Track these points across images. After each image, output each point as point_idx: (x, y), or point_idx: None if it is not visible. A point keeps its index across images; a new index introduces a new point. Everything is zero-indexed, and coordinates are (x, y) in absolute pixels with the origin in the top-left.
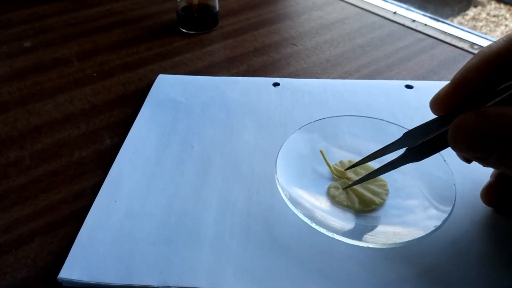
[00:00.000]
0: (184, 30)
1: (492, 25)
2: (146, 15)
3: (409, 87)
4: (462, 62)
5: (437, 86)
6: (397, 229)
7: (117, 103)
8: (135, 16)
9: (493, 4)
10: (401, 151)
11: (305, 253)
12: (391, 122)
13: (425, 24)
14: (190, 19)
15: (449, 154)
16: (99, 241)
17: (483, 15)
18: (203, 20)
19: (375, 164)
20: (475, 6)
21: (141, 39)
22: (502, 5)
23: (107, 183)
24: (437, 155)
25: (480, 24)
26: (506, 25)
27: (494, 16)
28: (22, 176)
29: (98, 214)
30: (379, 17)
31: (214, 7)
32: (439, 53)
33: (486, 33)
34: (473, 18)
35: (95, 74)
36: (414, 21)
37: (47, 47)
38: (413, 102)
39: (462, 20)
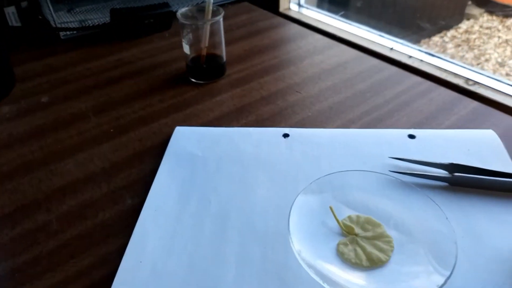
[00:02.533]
0: (193, 80)
1: (485, 37)
2: (156, 64)
3: (411, 136)
4: (458, 106)
5: (438, 135)
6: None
7: (135, 160)
8: (145, 66)
9: (485, 17)
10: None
11: None
12: (396, 177)
13: (421, 60)
14: (200, 69)
15: (452, 210)
16: None
17: (476, 27)
18: (212, 70)
19: (377, 218)
20: (468, 19)
21: (153, 90)
22: (494, 17)
23: (132, 242)
24: (438, 210)
25: (473, 36)
26: (499, 37)
27: (487, 28)
28: (51, 241)
29: (125, 275)
30: (377, 60)
31: (222, 57)
32: (437, 97)
33: (479, 46)
34: (466, 31)
35: (112, 130)
36: (410, 57)
37: (63, 102)
38: (415, 153)
39: (456, 33)
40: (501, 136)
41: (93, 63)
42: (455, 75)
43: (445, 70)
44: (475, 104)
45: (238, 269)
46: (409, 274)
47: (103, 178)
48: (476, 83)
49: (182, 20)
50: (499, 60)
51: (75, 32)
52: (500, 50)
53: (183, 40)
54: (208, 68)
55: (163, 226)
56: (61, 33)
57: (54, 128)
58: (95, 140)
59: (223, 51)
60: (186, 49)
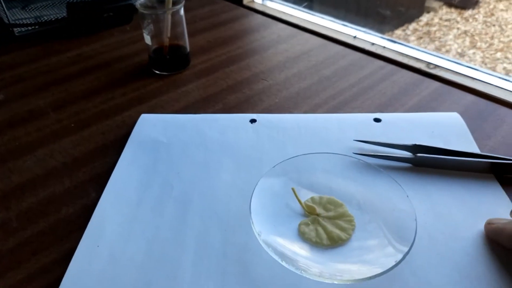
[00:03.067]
0: (157, 72)
1: (445, 29)
2: (117, 57)
3: (377, 120)
4: (420, 87)
5: (404, 118)
6: (361, 266)
7: (98, 154)
8: (106, 60)
9: (444, 9)
10: None
11: None
12: (360, 159)
13: (384, 47)
14: (162, 60)
15: (414, 189)
16: (83, 286)
17: (436, 20)
18: (175, 61)
19: (340, 198)
20: (428, 12)
21: (115, 84)
22: (453, 9)
23: (90, 227)
24: (400, 190)
25: (434, 28)
26: (458, 28)
27: (446, 20)
28: (11, 239)
29: (81, 259)
30: (341, 47)
31: (185, 48)
32: (399, 80)
33: (440, 37)
34: (427, 24)
35: (72, 125)
36: (373, 44)
37: (20, 99)
38: (381, 136)
39: (417, 26)
40: (462, 114)
41: (51, 60)
42: (417, 59)
43: (407, 56)
44: (436, 84)
45: (197, 253)
46: (367, 249)
47: (65, 173)
48: (437, 66)
49: (141, 10)
50: (459, 50)
51: (30, 28)
52: (459, 41)
53: (144, 31)
54: (171, 59)
55: (122, 212)
56: (16, 30)
57: (10, 126)
58: (55, 135)
59: (186, 42)
60: (148, 40)
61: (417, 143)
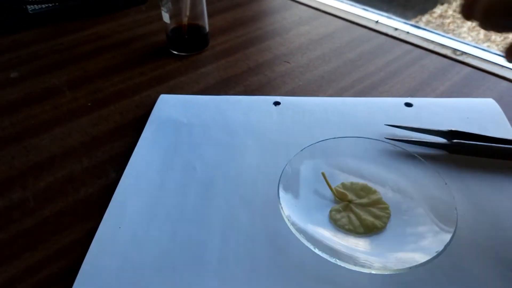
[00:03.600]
0: (174, 52)
1: (458, 21)
2: (134, 37)
3: (408, 105)
4: (451, 72)
5: (436, 103)
6: (400, 254)
7: (117, 133)
8: (123, 39)
9: (458, 1)
10: None
11: (309, 278)
12: (391, 143)
13: (408, 32)
14: (181, 40)
15: (451, 177)
16: (105, 268)
17: (450, 12)
18: (194, 41)
19: (372, 185)
20: (442, 4)
21: (133, 63)
22: None
23: (111, 208)
24: (437, 177)
25: (448, 21)
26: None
27: None
28: (28, 219)
29: (103, 241)
30: (365, 29)
31: (204, 28)
32: (428, 64)
33: (454, 30)
34: (441, 16)
35: (89, 104)
36: (396, 29)
37: (35, 77)
38: (412, 121)
39: (430, 18)
40: (497, 101)
41: (66, 38)
42: (442, 46)
43: (432, 41)
44: (468, 69)
45: (224, 236)
46: (404, 239)
47: (84, 153)
48: (463, 53)
49: None
50: (473, 43)
51: (44, 6)
52: (473, 33)
53: (162, 8)
54: (190, 39)
55: (144, 192)
56: (29, 8)
57: (26, 104)
58: (72, 114)
59: (205, 22)
60: (166, 18)
61: (453, 129)
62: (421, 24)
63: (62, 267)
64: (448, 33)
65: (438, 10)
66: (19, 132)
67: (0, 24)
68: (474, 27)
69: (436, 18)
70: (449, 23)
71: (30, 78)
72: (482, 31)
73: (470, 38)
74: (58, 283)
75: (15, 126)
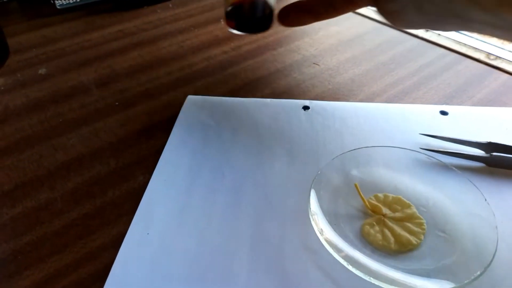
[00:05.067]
0: (235, 31)
1: None
2: (160, 35)
3: (444, 113)
4: (488, 78)
5: (473, 112)
6: (433, 277)
7: (144, 135)
8: (149, 37)
9: None
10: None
11: None
12: (426, 154)
13: (439, 34)
14: (244, 17)
15: (489, 192)
16: (133, 276)
17: None
18: (259, 18)
19: (407, 198)
20: None
21: (159, 62)
22: None
23: (139, 212)
24: (477, 192)
25: None
26: None
27: None
28: (56, 221)
29: (131, 247)
30: (396, 31)
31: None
32: (464, 70)
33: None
34: None
35: (117, 103)
36: (427, 31)
37: (63, 74)
38: (448, 131)
39: None
40: None
41: (93, 34)
42: (475, 49)
43: (465, 44)
44: (505, 76)
45: (253, 247)
46: (440, 258)
47: (111, 154)
48: (498, 57)
49: None
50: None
51: (71, 1)
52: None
53: None
54: (253, 17)
55: (172, 198)
56: (57, 3)
57: (53, 101)
58: (100, 113)
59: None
60: None
61: (492, 141)
62: None
63: (90, 272)
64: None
65: None
66: (47, 130)
67: (28, 19)
68: None
69: None
70: None
71: (58, 75)
72: None
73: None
74: None
75: (43, 124)
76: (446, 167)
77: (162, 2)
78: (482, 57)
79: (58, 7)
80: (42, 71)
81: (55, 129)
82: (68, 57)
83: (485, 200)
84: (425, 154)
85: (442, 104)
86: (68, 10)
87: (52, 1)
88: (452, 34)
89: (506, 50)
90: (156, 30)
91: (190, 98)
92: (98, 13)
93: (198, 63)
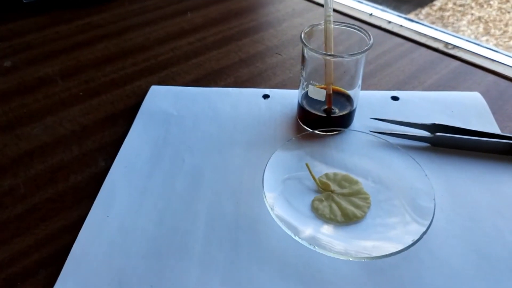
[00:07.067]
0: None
1: (458, 14)
2: (127, 27)
3: (395, 98)
4: (439, 65)
5: (422, 97)
6: (377, 243)
7: (108, 123)
8: (116, 29)
9: None
10: None
11: (289, 265)
12: (377, 136)
13: (401, 25)
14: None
15: (432, 169)
16: (92, 255)
17: (450, 5)
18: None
19: (355, 175)
20: None
21: (125, 54)
22: None
23: (100, 197)
24: (418, 169)
25: (447, 14)
26: (472, 14)
27: (460, 5)
28: (19, 205)
29: (91, 229)
30: (358, 22)
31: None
32: (418, 57)
33: (453, 23)
34: (440, 8)
35: (81, 93)
36: (390, 22)
37: (28, 66)
38: (398, 114)
39: (430, 11)
40: (483, 94)
41: (60, 28)
42: (435, 39)
43: (425, 35)
44: (456, 63)
45: (208, 224)
46: (383, 227)
47: (74, 141)
48: (455, 47)
49: None
50: (472, 37)
51: None
52: (473, 27)
53: (305, 79)
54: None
55: (133, 183)
56: None
57: (19, 93)
58: (64, 103)
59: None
60: (317, 92)
61: (436, 122)
62: (421, 17)
63: (51, 252)
64: (447, 26)
65: (438, 2)
66: (11, 121)
67: None
68: (473, 21)
69: (436, 11)
70: (449, 16)
71: (23, 68)
72: (482, 25)
73: (469, 31)
74: (47, 267)
75: (8, 115)
76: (392, 147)
77: None
78: (440, 46)
79: (24, 1)
80: (7, 63)
81: (19, 119)
82: (34, 50)
83: (426, 175)
84: (374, 136)
85: (395, 90)
86: (34, 4)
87: None
88: (414, 25)
89: (463, 39)
90: (123, 23)
91: (154, 88)
92: (65, 7)
93: (164, 54)
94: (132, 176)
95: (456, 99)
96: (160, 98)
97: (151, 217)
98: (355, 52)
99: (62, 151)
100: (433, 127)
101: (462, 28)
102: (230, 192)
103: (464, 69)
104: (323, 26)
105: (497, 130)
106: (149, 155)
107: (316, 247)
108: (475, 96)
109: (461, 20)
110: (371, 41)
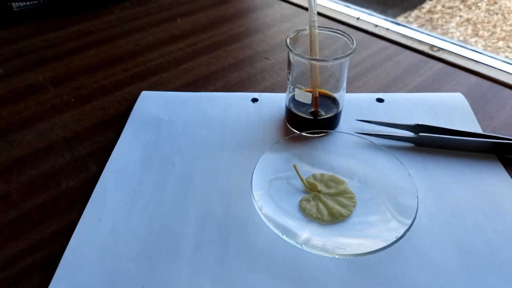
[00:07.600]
0: (300, 133)
1: (447, 17)
2: (117, 34)
3: (380, 100)
4: (423, 67)
5: (406, 98)
6: (361, 240)
7: (99, 129)
8: (106, 36)
9: None
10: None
11: (278, 264)
12: (362, 137)
13: (387, 29)
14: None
15: (416, 168)
16: (84, 259)
17: (439, 7)
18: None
19: (341, 176)
20: None
21: (116, 60)
22: None
23: (92, 201)
24: (402, 168)
25: (436, 16)
26: (460, 16)
27: (449, 8)
28: (12, 211)
29: (83, 233)
30: (344, 27)
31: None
32: (403, 60)
33: (442, 25)
34: (429, 11)
35: (72, 100)
36: (376, 26)
37: (19, 73)
38: (383, 116)
39: (419, 13)
40: (466, 95)
41: (50, 35)
42: (420, 42)
43: (411, 38)
44: (440, 65)
45: (198, 225)
46: (368, 225)
47: (66, 147)
48: (440, 49)
49: None
50: (461, 38)
51: (29, 3)
52: (461, 29)
53: (291, 82)
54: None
55: (124, 187)
56: (14, 5)
57: (10, 100)
58: (55, 110)
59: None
60: (303, 95)
61: (420, 123)
62: (411, 19)
63: (44, 256)
64: (436, 28)
65: (427, 5)
66: (3, 128)
67: None
68: (462, 23)
69: (425, 13)
70: (438, 18)
71: (14, 75)
72: (471, 26)
73: (458, 33)
74: (41, 270)
75: (0, 122)
76: (377, 147)
77: (119, 3)
78: (425, 49)
79: (15, 9)
80: None
81: (11, 126)
82: (25, 57)
83: (409, 174)
84: (360, 137)
85: (380, 92)
86: (25, 12)
87: (9, 4)
88: (400, 29)
89: (448, 41)
90: (114, 30)
91: (144, 93)
92: (56, 15)
93: (154, 60)
94: (123, 180)
95: (439, 100)
96: (150, 103)
97: (142, 220)
98: (339, 56)
99: (54, 157)
100: (417, 128)
101: (451, 30)
102: (220, 194)
103: (447, 71)
104: (308, 31)
105: (479, 130)
106: (140, 160)
107: (303, 245)
108: (458, 97)
109: (450, 22)
110: (354, 45)
